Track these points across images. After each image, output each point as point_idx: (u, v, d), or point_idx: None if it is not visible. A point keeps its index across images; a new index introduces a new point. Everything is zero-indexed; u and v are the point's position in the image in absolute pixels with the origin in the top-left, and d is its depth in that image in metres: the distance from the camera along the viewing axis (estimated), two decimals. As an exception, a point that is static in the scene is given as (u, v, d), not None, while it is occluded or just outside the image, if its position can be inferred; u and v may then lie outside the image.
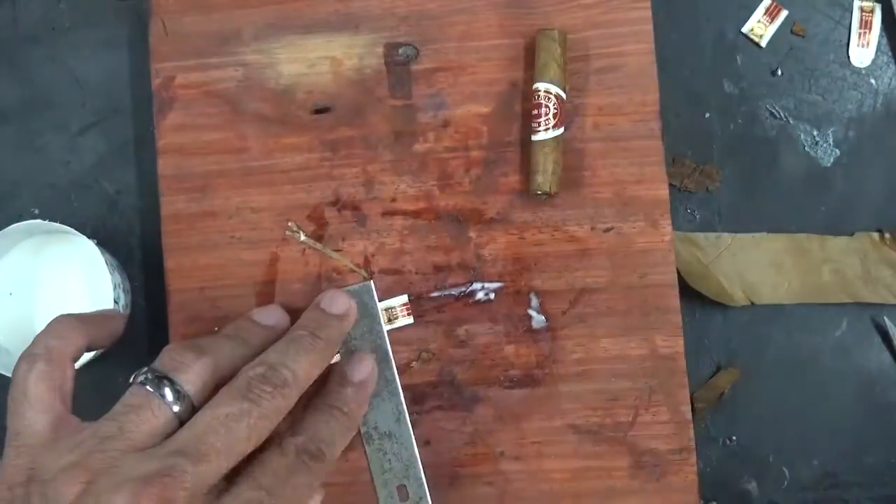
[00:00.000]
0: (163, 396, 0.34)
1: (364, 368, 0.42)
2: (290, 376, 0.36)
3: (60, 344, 0.36)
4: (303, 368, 0.37)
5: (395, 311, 0.45)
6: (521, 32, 0.46)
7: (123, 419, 0.33)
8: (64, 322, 0.37)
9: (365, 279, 0.45)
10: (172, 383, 0.34)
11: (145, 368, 0.35)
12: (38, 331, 0.37)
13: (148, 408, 0.33)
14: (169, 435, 0.33)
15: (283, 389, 0.35)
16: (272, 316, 0.42)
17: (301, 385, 0.37)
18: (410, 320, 0.45)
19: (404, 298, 0.45)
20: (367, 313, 0.45)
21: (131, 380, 0.35)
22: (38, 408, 0.34)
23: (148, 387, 0.34)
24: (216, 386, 0.36)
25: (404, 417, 0.44)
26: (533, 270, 0.45)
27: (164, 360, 0.35)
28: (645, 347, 0.44)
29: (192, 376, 0.35)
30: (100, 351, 0.44)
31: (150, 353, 0.48)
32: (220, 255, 0.46)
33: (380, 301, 0.45)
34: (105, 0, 0.50)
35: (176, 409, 0.34)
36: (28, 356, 0.35)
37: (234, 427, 0.33)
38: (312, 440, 0.37)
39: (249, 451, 0.34)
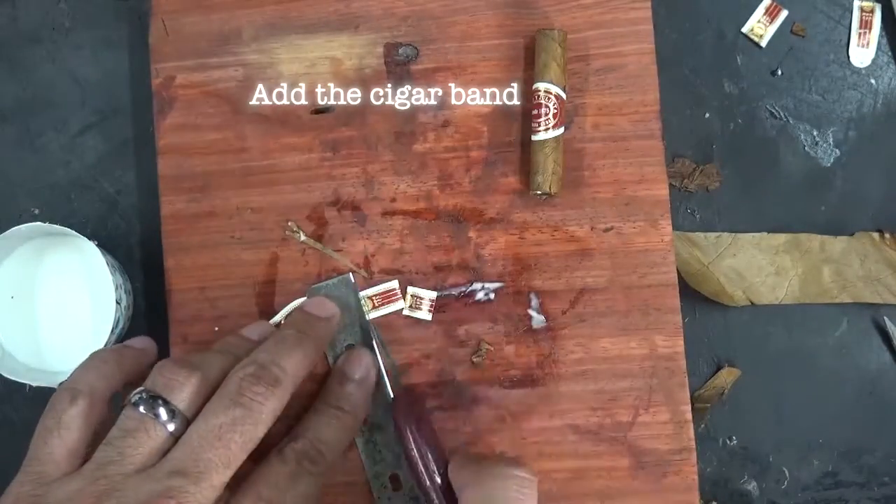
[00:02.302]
0: (157, 416, 0.34)
1: (363, 365, 0.42)
2: (280, 373, 0.36)
3: (103, 385, 0.36)
4: (292, 365, 0.37)
5: (420, 302, 0.45)
6: (521, 32, 0.46)
7: (121, 443, 0.33)
8: (107, 361, 0.37)
9: (365, 279, 0.45)
10: (166, 403, 0.34)
11: (139, 388, 0.35)
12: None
13: (143, 430, 0.33)
14: (167, 452, 0.33)
15: (274, 388, 0.35)
16: (260, 330, 0.41)
17: (292, 383, 0.36)
18: (429, 316, 0.45)
19: (433, 295, 0.45)
20: (348, 306, 0.45)
21: (124, 401, 0.34)
22: (66, 441, 0.34)
23: (142, 408, 0.34)
24: (209, 400, 0.35)
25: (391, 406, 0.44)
26: (533, 270, 0.45)
27: (156, 379, 0.35)
28: (645, 347, 0.44)
29: (185, 394, 0.35)
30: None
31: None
32: (220, 255, 0.46)
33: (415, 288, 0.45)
34: (105, 0, 0.50)
35: (171, 427, 0.34)
36: (71, 390, 0.35)
37: (228, 437, 0.33)
38: (313, 443, 0.37)
39: (246, 457, 0.34)
